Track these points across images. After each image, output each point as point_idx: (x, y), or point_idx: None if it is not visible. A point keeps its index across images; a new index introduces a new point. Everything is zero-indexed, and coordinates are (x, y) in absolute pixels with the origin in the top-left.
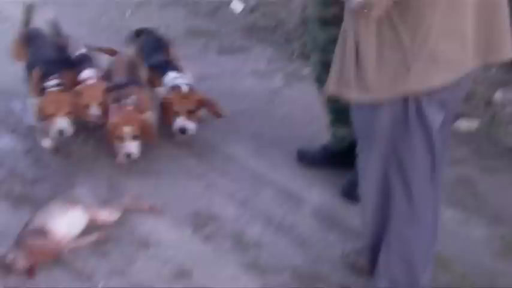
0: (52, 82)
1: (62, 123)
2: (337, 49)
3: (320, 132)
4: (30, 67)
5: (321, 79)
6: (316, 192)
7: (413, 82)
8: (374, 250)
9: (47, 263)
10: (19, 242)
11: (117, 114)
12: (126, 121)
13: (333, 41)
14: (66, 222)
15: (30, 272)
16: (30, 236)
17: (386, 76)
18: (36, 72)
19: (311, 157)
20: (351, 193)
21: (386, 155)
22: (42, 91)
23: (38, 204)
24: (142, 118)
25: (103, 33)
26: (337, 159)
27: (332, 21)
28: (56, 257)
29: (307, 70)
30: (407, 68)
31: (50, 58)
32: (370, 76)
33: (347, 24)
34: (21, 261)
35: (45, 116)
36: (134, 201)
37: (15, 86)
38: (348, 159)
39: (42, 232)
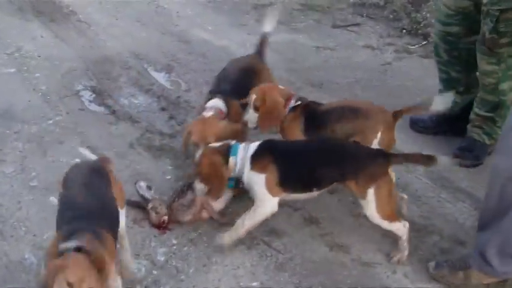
0: None
1: None
2: None
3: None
4: None
5: (438, 48)
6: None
7: None
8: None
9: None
10: (168, 203)
11: None
12: None
13: (454, 15)
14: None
15: (163, 227)
16: (178, 204)
17: None
18: None
19: (422, 123)
20: (462, 159)
21: None
22: None
23: (175, 155)
24: None
25: (224, 5)
26: (448, 125)
27: None
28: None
29: (416, 46)
30: None
31: None
32: None
33: None
34: (159, 216)
35: None
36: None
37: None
38: (458, 125)
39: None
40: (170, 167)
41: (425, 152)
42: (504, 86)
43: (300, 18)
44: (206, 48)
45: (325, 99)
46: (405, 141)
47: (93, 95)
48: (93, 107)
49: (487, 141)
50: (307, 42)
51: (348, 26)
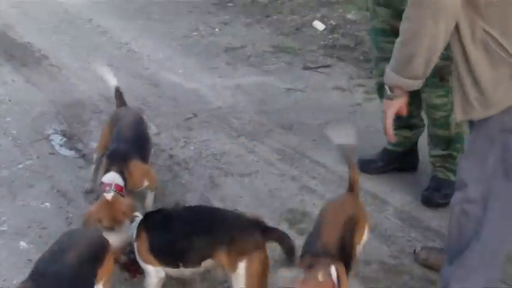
0: None
1: None
2: (454, 81)
3: None
4: None
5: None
6: (398, 195)
7: None
8: None
9: None
10: None
11: None
12: None
13: None
14: None
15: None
16: None
17: (502, 89)
18: None
19: (374, 163)
20: (431, 200)
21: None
22: None
23: (144, 196)
24: None
25: (194, 48)
26: (400, 161)
27: None
28: None
29: None
30: None
31: None
32: (489, 94)
33: (455, 53)
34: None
35: None
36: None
37: None
38: (410, 160)
39: None
40: (142, 209)
41: (397, 191)
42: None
43: (271, 61)
44: (176, 92)
45: (296, 141)
46: (375, 181)
47: (64, 139)
48: (64, 151)
49: (453, 178)
50: (278, 84)
51: (319, 67)
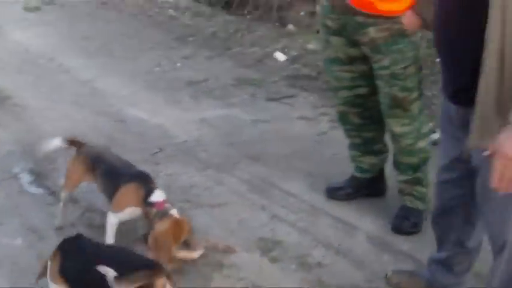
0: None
1: None
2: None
3: None
4: None
5: (346, 115)
6: (369, 220)
7: None
8: None
9: None
10: None
11: None
12: None
13: (358, 77)
14: None
15: None
16: None
17: None
18: None
19: (342, 190)
20: (400, 228)
21: None
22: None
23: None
24: None
25: (158, 83)
26: (368, 188)
27: (359, 58)
28: None
29: None
30: None
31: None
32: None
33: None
34: None
35: None
36: (213, 241)
37: None
38: (378, 186)
39: None
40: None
41: (367, 216)
42: (421, 144)
43: (235, 93)
44: (142, 127)
45: (264, 171)
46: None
47: (32, 177)
48: (32, 189)
49: (421, 207)
50: (243, 116)
51: (282, 98)
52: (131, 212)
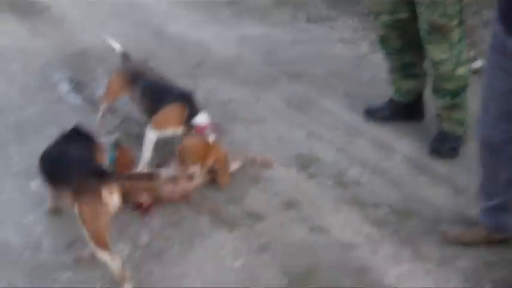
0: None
1: None
2: None
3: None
4: None
5: (387, 39)
6: (406, 142)
7: None
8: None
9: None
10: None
11: None
12: None
13: (399, 2)
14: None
15: (145, 210)
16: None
17: None
18: None
19: (381, 112)
20: (437, 152)
21: None
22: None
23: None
24: None
25: (197, 1)
26: (406, 112)
27: None
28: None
29: None
30: None
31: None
32: None
33: None
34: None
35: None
36: (251, 155)
37: None
38: (416, 110)
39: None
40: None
41: (405, 139)
42: (460, 71)
43: (275, 13)
44: (180, 42)
45: (302, 89)
46: (383, 129)
47: (71, 86)
48: (71, 97)
49: (458, 133)
50: (283, 35)
51: (323, 20)
52: (172, 130)
